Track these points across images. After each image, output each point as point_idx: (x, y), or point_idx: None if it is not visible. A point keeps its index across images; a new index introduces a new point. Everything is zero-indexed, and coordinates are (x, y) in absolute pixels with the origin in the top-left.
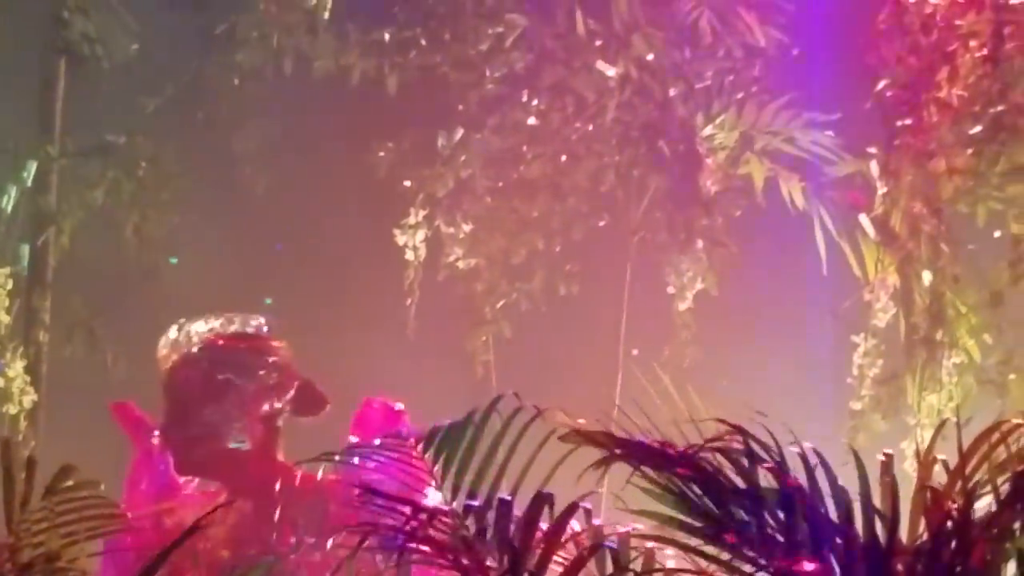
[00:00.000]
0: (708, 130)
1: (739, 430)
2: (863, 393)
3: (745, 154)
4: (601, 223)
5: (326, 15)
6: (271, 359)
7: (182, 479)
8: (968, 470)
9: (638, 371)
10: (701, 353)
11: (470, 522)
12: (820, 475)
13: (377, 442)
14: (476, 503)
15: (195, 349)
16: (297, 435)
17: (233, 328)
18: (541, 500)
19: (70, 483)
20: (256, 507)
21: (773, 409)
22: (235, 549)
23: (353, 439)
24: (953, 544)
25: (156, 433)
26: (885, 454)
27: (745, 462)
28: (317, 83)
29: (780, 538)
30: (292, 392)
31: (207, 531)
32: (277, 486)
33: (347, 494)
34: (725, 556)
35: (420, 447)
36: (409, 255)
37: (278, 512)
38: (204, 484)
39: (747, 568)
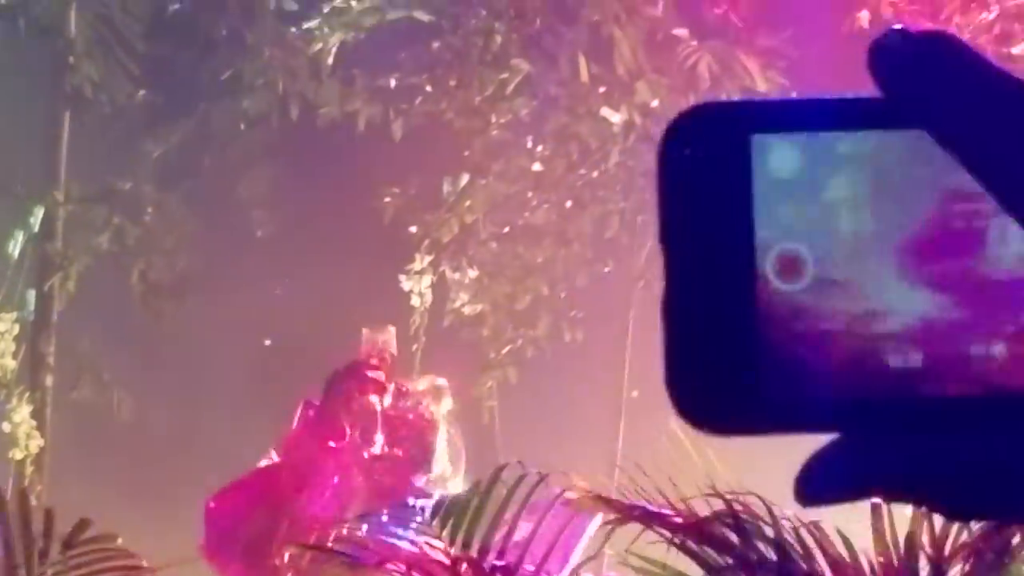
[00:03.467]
0: None
1: (728, 510)
2: None
3: None
4: (606, 269)
5: (330, 61)
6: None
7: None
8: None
9: (641, 419)
10: None
11: None
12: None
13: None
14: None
15: None
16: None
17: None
18: None
19: (87, 536)
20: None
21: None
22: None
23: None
24: None
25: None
26: (873, 505)
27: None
28: (323, 129)
29: None
30: None
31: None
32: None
33: None
34: None
35: (428, 516)
36: (415, 300)
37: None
38: None
39: None
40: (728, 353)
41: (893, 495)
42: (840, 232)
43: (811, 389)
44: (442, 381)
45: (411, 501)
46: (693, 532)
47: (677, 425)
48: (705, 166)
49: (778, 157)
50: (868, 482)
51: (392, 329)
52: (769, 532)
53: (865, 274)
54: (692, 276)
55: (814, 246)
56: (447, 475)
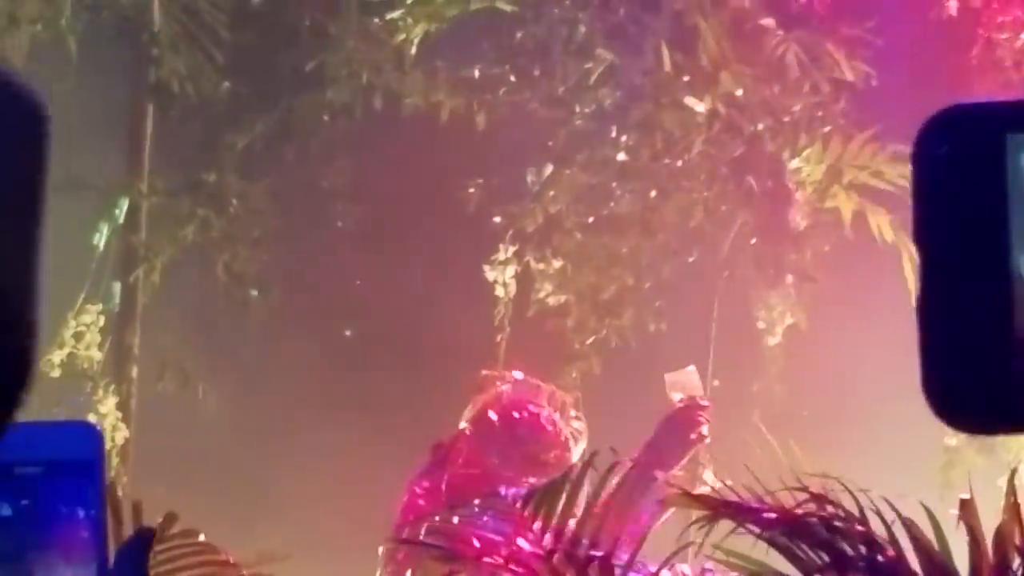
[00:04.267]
0: (795, 164)
1: (819, 499)
2: None
3: (832, 187)
4: (690, 259)
5: (413, 51)
6: None
7: None
8: None
9: (726, 409)
10: (791, 389)
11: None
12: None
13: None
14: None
15: None
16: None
17: None
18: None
19: (174, 531)
20: None
21: (864, 446)
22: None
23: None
24: None
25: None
26: (962, 501)
27: (825, 532)
28: (406, 120)
29: None
30: None
31: None
32: None
33: None
34: None
35: (519, 505)
36: (499, 291)
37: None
38: None
39: None
40: (984, 353)
41: None
42: None
43: None
44: (580, 425)
45: (502, 491)
46: (785, 528)
47: (759, 416)
48: (960, 166)
49: None
50: None
51: (693, 368)
52: (859, 527)
53: None
54: (947, 276)
55: None
56: None
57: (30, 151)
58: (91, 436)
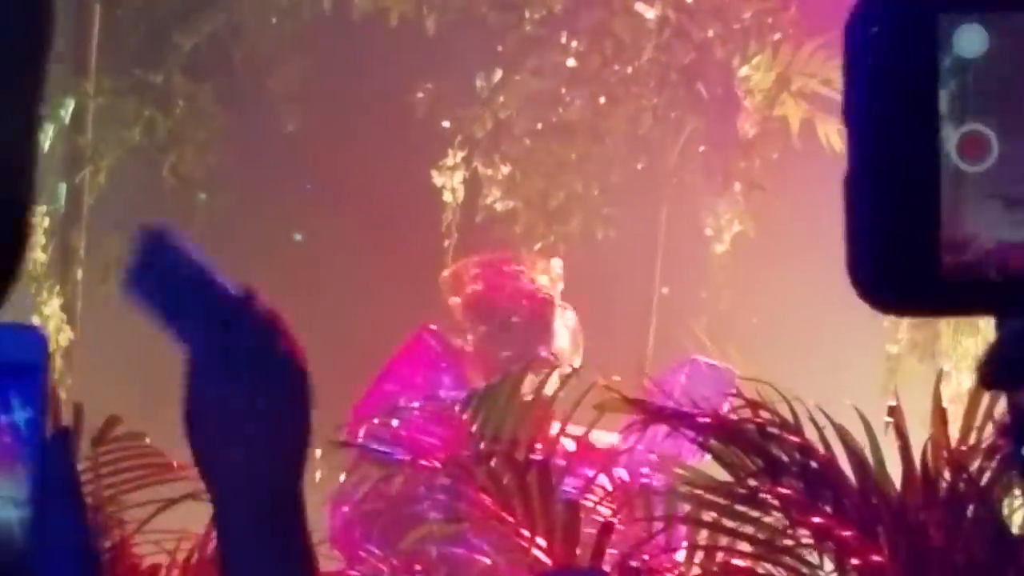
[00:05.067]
0: (744, 71)
1: (754, 406)
2: (899, 336)
3: (781, 95)
4: (639, 166)
5: None
6: None
7: None
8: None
9: (673, 316)
10: (738, 296)
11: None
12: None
13: (415, 404)
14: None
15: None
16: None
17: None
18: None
19: (117, 433)
20: None
21: (809, 352)
22: None
23: None
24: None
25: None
26: (890, 407)
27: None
28: (355, 23)
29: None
30: None
31: None
32: None
33: None
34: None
35: (458, 408)
36: (447, 196)
37: None
38: None
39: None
40: (911, 233)
41: None
42: None
43: (997, 271)
44: (557, 261)
45: (441, 394)
46: (719, 433)
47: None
48: (890, 45)
49: (965, 37)
50: None
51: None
52: (793, 434)
53: None
54: (875, 156)
55: (1000, 127)
56: (567, 351)
57: (31, 27)
58: (35, 340)
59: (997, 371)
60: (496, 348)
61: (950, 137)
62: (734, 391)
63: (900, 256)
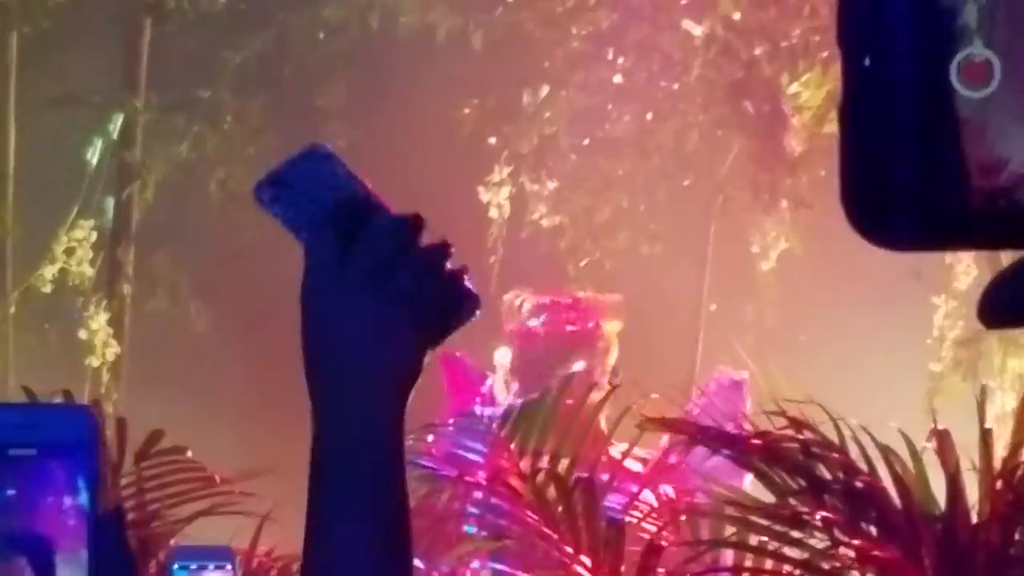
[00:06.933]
0: (793, 88)
1: (797, 426)
2: (943, 355)
3: (831, 113)
4: (685, 183)
5: None
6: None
7: None
8: None
9: (719, 333)
10: (783, 313)
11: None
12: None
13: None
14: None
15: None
16: None
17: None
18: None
19: (159, 448)
20: None
21: (853, 370)
22: None
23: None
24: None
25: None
26: (937, 431)
27: (802, 457)
28: (402, 39)
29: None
30: None
31: None
32: None
33: None
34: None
35: (496, 426)
36: (493, 212)
37: None
38: None
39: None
40: (907, 163)
41: None
42: None
43: (999, 202)
44: (617, 297)
45: (478, 410)
46: (762, 454)
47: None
48: None
49: None
50: None
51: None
52: (836, 453)
53: None
54: (871, 82)
55: (1002, 51)
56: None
57: None
58: (87, 420)
59: (1002, 306)
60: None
61: (950, 63)
62: (747, 400)
63: (898, 189)
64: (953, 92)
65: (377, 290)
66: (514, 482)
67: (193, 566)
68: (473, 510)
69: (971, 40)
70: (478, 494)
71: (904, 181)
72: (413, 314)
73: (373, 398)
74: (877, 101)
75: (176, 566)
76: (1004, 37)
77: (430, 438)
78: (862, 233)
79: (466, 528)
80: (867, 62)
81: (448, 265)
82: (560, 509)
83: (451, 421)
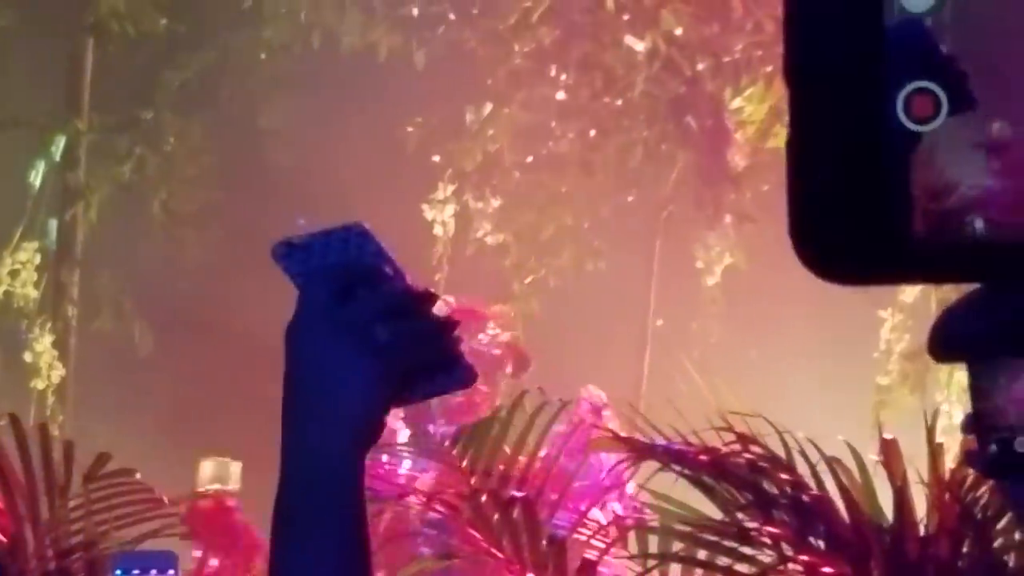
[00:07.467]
0: (736, 103)
1: (745, 440)
2: (890, 368)
3: (775, 127)
4: (629, 198)
5: None
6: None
7: None
8: None
9: (665, 348)
10: (729, 328)
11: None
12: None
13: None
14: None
15: None
16: None
17: None
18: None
19: (107, 470)
20: None
21: (800, 384)
22: None
23: None
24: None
25: None
26: (884, 440)
27: (749, 472)
28: (345, 58)
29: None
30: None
31: None
32: None
33: None
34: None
35: (447, 444)
36: (438, 230)
37: None
38: None
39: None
40: (855, 197)
41: None
42: (977, 71)
43: (947, 235)
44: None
45: (431, 429)
46: (710, 469)
47: (691, 358)
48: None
49: None
50: (1005, 332)
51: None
52: (783, 468)
53: (1004, 114)
54: (818, 116)
55: (949, 85)
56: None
57: None
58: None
59: (948, 341)
60: None
61: (897, 96)
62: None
63: (846, 224)
64: (899, 126)
65: (349, 334)
66: (455, 501)
67: (135, 571)
68: (428, 530)
69: (917, 74)
70: (432, 514)
71: (849, 216)
72: (386, 367)
73: (328, 434)
74: (822, 136)
75: (118, 572)
76: (951, 71)
77: (384, 457)
78: (809, 267)
79: (422, 549)
80: (813, 97)
81: (451, 338)
82: (500, 527)
83: (402, 442)
